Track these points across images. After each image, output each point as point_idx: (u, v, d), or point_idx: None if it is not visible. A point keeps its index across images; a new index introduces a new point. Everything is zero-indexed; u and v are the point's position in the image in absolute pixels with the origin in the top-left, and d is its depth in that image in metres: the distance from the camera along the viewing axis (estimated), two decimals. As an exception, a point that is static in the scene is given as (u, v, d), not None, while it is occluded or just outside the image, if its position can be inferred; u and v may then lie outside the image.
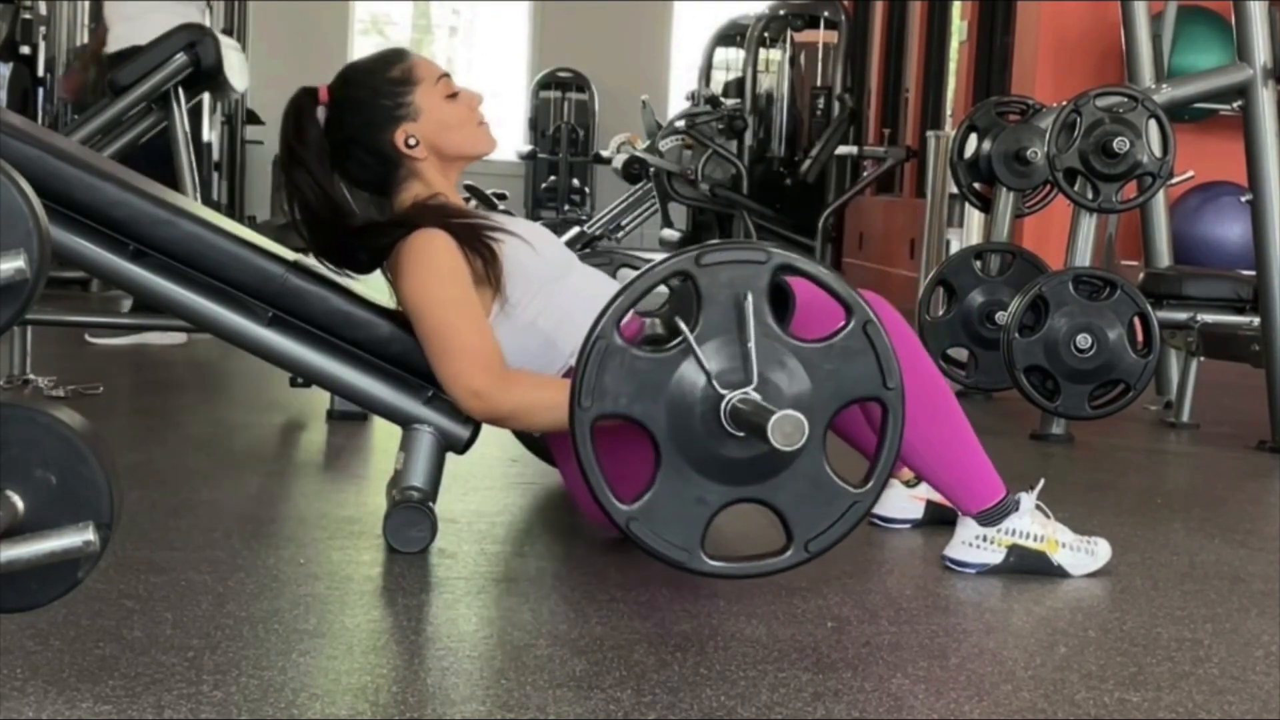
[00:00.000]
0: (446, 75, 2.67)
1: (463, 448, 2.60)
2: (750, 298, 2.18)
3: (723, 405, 2.19)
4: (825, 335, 2.23)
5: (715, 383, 2.18)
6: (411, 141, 2.61)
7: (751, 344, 2.18)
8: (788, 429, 2.10)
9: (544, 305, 2.58)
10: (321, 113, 2.64)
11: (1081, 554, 2.60)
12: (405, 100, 2.62)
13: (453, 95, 2.65)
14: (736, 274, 2.19)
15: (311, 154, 2.60)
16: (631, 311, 2.25)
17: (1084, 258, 4.49)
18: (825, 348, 2.23)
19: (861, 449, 2.87)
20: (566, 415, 2.22)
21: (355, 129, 2.62)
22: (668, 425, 2.19)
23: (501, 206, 9.21)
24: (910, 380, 2.50)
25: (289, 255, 2.64)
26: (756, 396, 2.17)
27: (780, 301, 2.27)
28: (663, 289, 2.31)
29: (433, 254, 2.51)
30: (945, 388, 2.56)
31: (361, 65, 2.69)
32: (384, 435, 3.68)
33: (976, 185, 5.59)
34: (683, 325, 2.19)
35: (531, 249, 2.56)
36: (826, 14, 11.39)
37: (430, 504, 2.52)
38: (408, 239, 2.53)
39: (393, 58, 2.66)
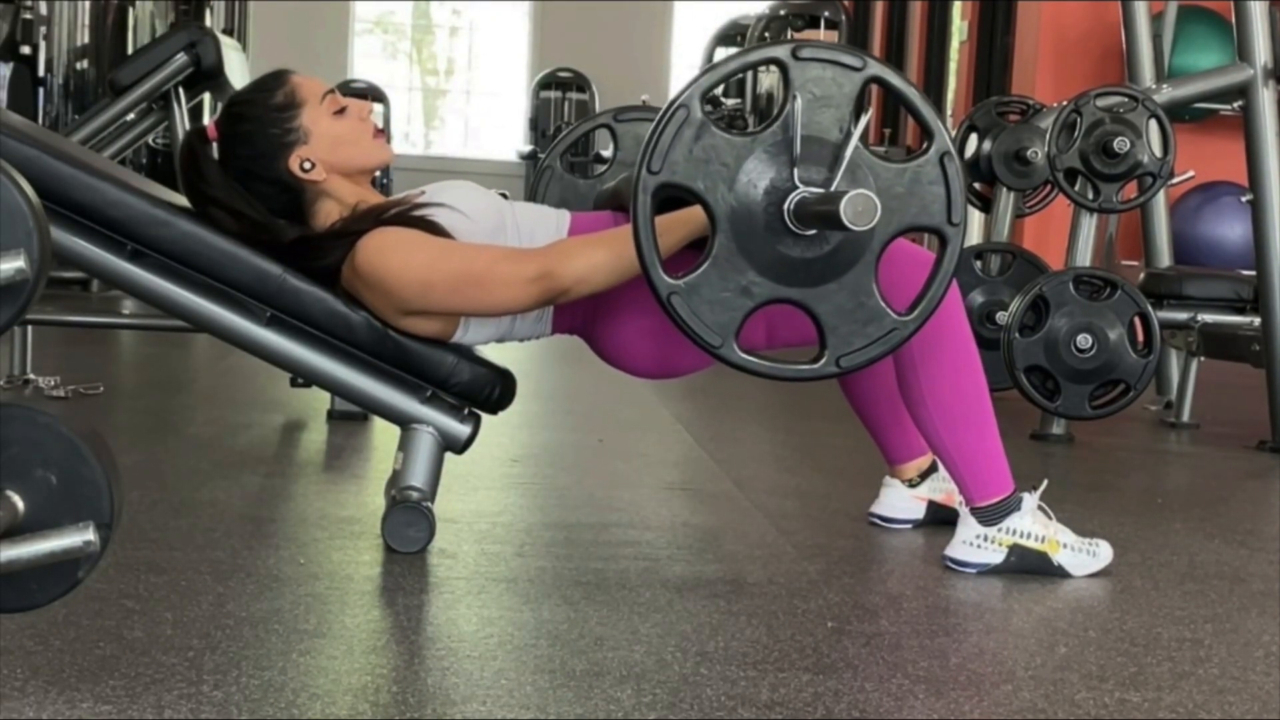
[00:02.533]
0: (332, 91, 2.60)
1: (461, 447, 2.59)
2: (849, 101, 2.18)
3: (789, 199, 2.17)
4: (907, 158, 2.24)
5: (796, 172, 2.17)
6: (307, 165, 2.53)
7: (850, 150, 2.17)
8: (860, 207, 2.08)
9: None
10: (215, 150, 2.57)
11: (1083, 555, 2.59)
12: (292, 125, 2.54)
13: (340, 111, 2.57)
14: (828, 74, 2.18)
15: (218, 190, 2.53)
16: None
17: (1084, 258, 4.50)
18: (900, 170, 2.22)
19: (874, 427, 2.90)
20: (628, 264, 2.25)
21: (248, 162, 2.54)
22: (729, 208, 2.17)
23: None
24: (952, 354, 2.53)
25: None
26: (823, 193, 2.16)
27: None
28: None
29: (391, 242, 2.45)
30: (982, 377, 2.57)
31: (243, 96, 2.60)
32: (384, 435, 3.68)
33: (977, 185, 5.60)
34: (796, 107, 2.16)
35: (464, 216, 2.50)
36: (826, 14, 11.41)
37: (428, 504, 2.52)
38: (357, 253, 2.46)
39: (273, 83, 2.58)
